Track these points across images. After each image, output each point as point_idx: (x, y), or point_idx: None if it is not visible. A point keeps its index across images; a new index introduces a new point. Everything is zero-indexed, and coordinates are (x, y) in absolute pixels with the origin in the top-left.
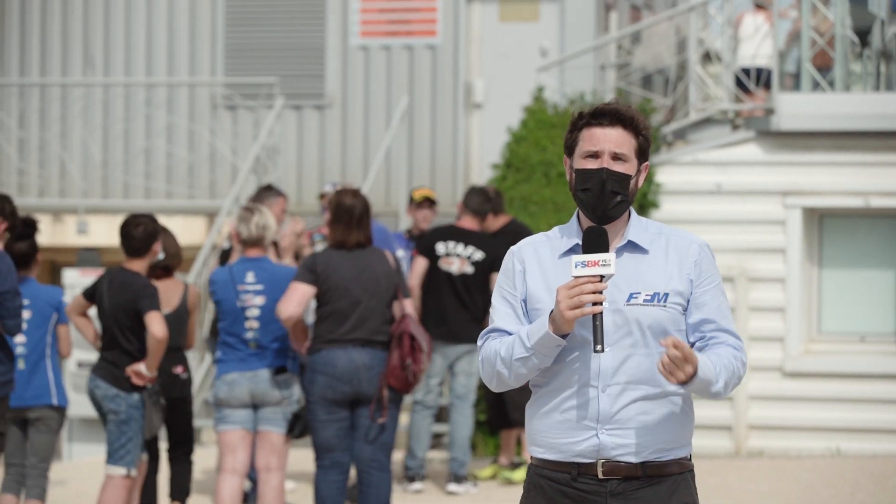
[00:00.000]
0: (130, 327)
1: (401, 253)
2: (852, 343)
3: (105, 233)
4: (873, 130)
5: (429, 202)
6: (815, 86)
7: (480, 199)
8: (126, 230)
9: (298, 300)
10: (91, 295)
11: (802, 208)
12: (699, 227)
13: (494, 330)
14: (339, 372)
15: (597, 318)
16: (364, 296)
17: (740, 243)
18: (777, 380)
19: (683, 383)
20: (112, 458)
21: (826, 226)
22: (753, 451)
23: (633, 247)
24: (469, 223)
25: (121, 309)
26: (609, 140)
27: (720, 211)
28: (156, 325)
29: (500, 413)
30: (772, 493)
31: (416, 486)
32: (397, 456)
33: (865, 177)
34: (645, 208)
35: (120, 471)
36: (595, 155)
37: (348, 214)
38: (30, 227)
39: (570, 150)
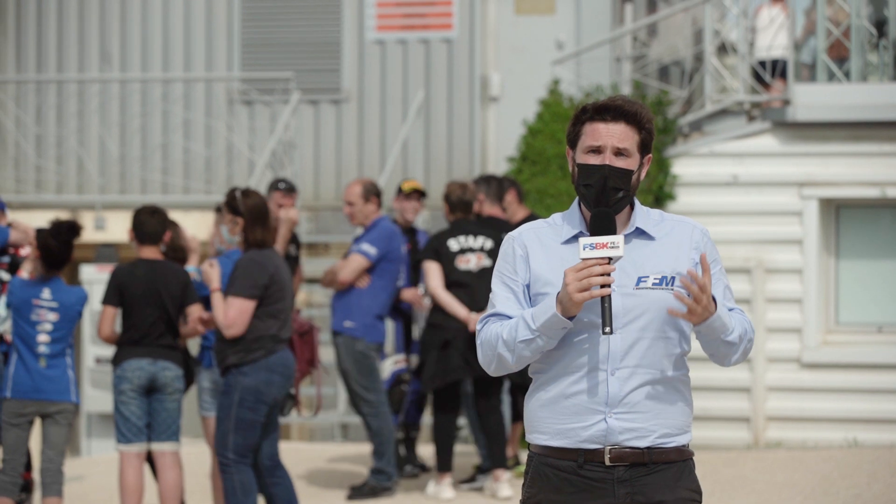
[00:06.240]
0: (178, 315)
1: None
2: (869, 334)
3: (123, 228)
4: (890, 121)
5: (417, 194)
6: (831, 76)
7: (462, 191)
8: (142, 218)
9: (246, 321)
10: (118, 297)
11: (819, 199)
12: (716, 218)
13: (494, 314)
14: (291, 372)
15: (605, 301)
16: (290, 293)
17: (757, 235)
18: (795, 371)
19: (702, 321)
20: (174, 435)
21: (843, 216)
22: (771, 442)
23: (640, 233)
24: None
25: (176, 299)
26: (612, 135)
27: (737, 202)
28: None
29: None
30: (788, 483)
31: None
32: (426, 451)
33: (882, 167)
34: (661, 200)
35: (179, 445)
36: (597, 150)
37: (265, 215)
38: (74, 231)
39: (572, 142)
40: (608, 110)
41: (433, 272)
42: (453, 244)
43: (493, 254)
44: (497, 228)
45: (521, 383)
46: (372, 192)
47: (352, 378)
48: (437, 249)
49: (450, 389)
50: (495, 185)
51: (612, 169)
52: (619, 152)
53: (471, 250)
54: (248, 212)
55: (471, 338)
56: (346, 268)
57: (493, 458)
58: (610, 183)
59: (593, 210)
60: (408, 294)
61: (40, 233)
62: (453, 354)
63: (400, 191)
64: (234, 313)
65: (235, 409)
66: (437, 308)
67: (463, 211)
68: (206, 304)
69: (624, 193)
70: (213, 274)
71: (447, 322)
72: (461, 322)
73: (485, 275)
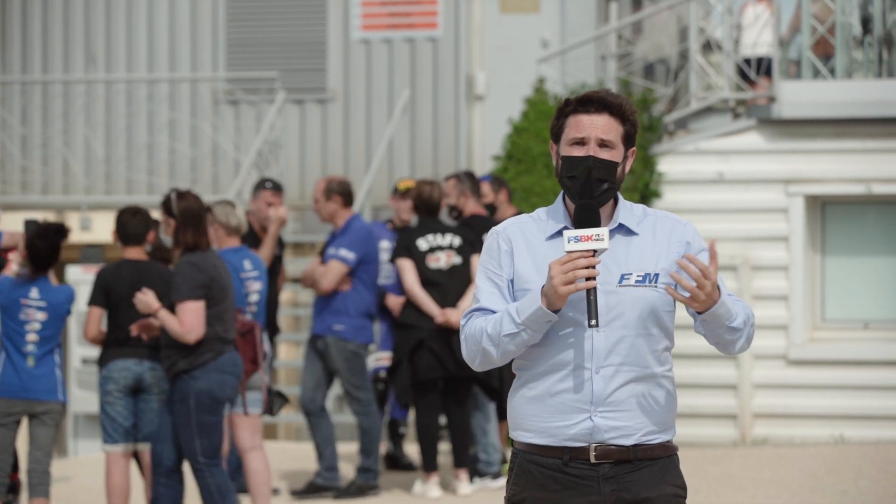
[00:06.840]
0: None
1: (385, 244)
2: (856, 330)
3: (108, 229)
4: (875, 117)
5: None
6: (817, 73)
7: (430, 190)
8: (124, 219)
9: (202, 322)
10: (104, 298)
11: (805, 196)
12: (702, 216)
13: (479, 309)
14: (240, 372)
15: (590, 293)
16: (231, 293)
17: (743, 232)
18: (781, 368)
19: (705, 310)
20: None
21: (828, 213)
22: (758, 439)
23: (623, 229)
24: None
25: (161, 299)
26: (595, 127)
27: (722, 200)
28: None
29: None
30: (775, 480)
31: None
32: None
33: (867, 164)
34: (647, 198)
35: None
36: (581, 142)
37: (198, 217)
38: (62, 234)
39: (556, 136)
40: (591, 102)
41: (407, 269)
42: (422, 243)
43: (461, 251)
44: (481, 227)
45: (485, 381)
46: (335, 191)
47: (343, 378)
48: (408, 247)
49: (429, 389)
50: (477, 182)
51: (596, 160)
52: (603, 144)
53: (440, 248)
54: (181, 214)
55: (445, 337)
56: (326, 276)
57: (455, 457)
58: (595, 174)
59: (577, 202)
60: (391, 302)
61: (29, 224)
62: (424, 356)
63: (396, 190)
64: (189, 317)
65: (195, 415)
66: (410, 307)
67: (427, 212)
68: None
69: (609, 185)
70: (149, 298)
71: (421, 321)
72: (435, 322)
73: (455, 272)
